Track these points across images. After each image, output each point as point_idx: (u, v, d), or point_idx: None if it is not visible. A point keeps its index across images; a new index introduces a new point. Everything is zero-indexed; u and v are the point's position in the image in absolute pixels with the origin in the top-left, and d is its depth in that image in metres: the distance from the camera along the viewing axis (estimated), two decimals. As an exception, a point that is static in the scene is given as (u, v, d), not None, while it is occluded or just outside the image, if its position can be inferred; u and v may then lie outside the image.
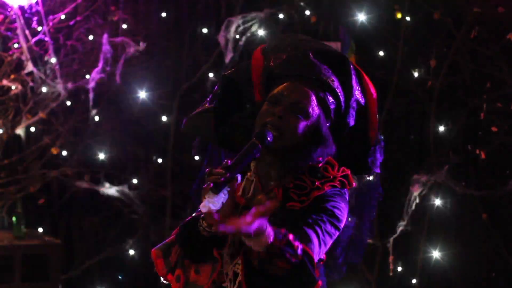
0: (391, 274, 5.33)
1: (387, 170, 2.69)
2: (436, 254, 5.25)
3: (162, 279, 2.40)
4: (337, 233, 2.28)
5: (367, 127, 2.47)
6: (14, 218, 5.78)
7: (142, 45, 5.67)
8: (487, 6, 5.06)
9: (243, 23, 5.49)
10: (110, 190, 5.79)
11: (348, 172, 2.37)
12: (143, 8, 6.01)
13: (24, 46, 5.69)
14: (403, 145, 5.56)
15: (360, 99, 2.45)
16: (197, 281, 2.34)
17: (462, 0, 5.25)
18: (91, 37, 5.89)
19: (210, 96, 2.53)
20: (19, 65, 5.82)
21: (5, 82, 5.77)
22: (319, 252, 2.20)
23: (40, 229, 5.97)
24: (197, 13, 6.01)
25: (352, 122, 2.45)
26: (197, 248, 2.30)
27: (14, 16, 5.69)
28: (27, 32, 5.72)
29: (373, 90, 2.48)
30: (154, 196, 6.05)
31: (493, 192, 5.05)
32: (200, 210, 2.18)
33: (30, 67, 5.72)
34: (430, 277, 5.35)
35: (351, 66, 2.44)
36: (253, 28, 5.51)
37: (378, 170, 2.53)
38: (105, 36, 5.67)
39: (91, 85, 5.72)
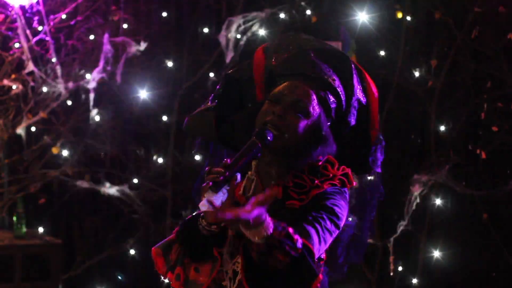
0: (391, 274, 5.32)
1: (387, 169, 2.69)
2: (436, 253, 5.25)
3: (162, 277, 2.40)
4: (337, 231, 2.28)
5: (368, 126, 2.47)
6: (14, 218, 5.78)
7: (142, 45, 5.67)
8: (488, 6, 5.06)
9: (244, 22, 5.49)
10: (110, 190, 5.79)
11: (348, 171, 2.37)
12: (144, 8, 6.01)
13: (25, 45, 5.70)
14: (403, 145, 5.55)
15: (362, 98, 2.45)
16: (197, 280, 2.34)
17: (463, 0, 5.25)
18: (92, 37, 5.89)
19: (212, 95, 2.53)
20: (20, 65, 5.82)
21: (6, 81, 5.78)
22: (319, 249, 2.20)
23: (41, 229, 5.97)
24: (198, 13, 6.01)
25: (353, 121, 2.45)
26: (197, 247, 2.30)
27: (15, 16, 5.69)
28: (28, 31, 5.73)
29: (374, 89, 2.49)
30: (155, 196, 6.04)
31: (493, 192, 5.04)
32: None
33: (31, 66, 5.72)
34: (431, 277, 5.34)
35: (353, 65, 2.45)
36: (254, 28, 5.51)
37: (379, 170, 2.53)
38: (106, 35, 5.67)
39: (92, 85, 5.73)
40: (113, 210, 6.04)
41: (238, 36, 5.49)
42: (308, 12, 5.46)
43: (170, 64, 5.93)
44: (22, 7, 5.70)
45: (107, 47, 5.67)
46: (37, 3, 5.73)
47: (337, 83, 2.40)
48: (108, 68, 5.70)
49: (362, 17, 5.19)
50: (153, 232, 5.91)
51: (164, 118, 5.99)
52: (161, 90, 5.94)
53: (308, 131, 2.33)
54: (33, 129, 6.04)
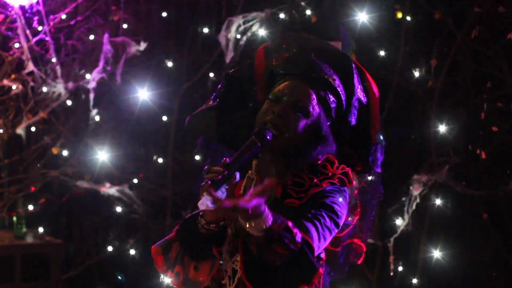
0: (391, 274, 5.32)
1: (387, 169, 2.69)
2: (436, 254, 5.25)
3: (161, 275, 2.40)
4: (336, 230, 2.28)
5: (368, 126, 2.47)
6: (14, 218, 5.78)
7: (142, 45, 5.67)
8: (488, 6, 5.06)
9: (244, 23, 5.49)
10: (110, 190, 5.79)
11: (348, 170, 2.37)
12: (144, 8, 6.01)
13: (25, 45, 5.70)
14: (403, 145, 5.55)
15: (362, 98, 2.45)
16: (196, 278, 2.35)
17: (463, 0, 5.25)
18: (91, 37, 5.89)
19: (214, 94, 2.54)
20: (19, 65, 5.83)
21: (5, 82, 5.78)
22: (319, 246, 2.20)
23: (41, 229, 5.97)
24: (197, 13, 6.00)
25: (353, 121, 2.45)
26: (197, 246, 2.31)
27: (15, 16, 5.69)
28: (27, 31, 5.73)
29: (375, 89, 2.49)
30: (155, 196, 6.04)
31: (493, 192, 5.04)
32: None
33: (30, 66, 5.73)
34: (431, 277, 5.34)
35: (353, 65, 2.45)
36: (254, 28, 5.51)
37: (379, 170, 2.53)
38: (106, 36, 5.68)
39: (92, 85, 5.73)
40: (113, 210, 6.04)
41: (238, 36, 5.49)
42: (308, 12, 5.46)
43: (170, 64, 5.93)
44: (22, 7, 5.71)
45: (107, 47, 5.67)
46: (37, 3, 5.73)
47: (337, 82, 2.40)
48: (108, 68, 5.70)
49: (362, 17, 5.18)
50: (153, 232, 5.91)
51: (164, 118, 5.99)
52: (161, 90, 5.94)
53: (308, 130, 2.33)
54: (33, 129, 6.05)
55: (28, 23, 5.76)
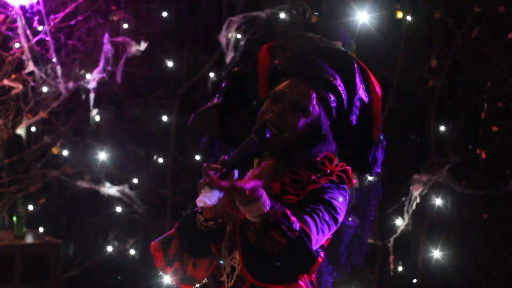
0: (391, 274, 5.32)
1: (387, 169, 2.69)
2: (436, 254, 5.25)
3: (160, 272, 2.41)
4: (335, 226, 2.28)
5: (370, 126, 2.47)
6: (14, 218, 5.78)
7: (143, 45, 5.67)
8: (488, 6, 5.06)
9: (244, 23, 5.49)
10: (110, 190, 5.79)
11: (348, 168, 2.38)
12: (144, 8, 6.01)
13: (25, 45, 5.70)
14: (403, 145, 5.55)
15: (364, 98, 2.46)
16: (194, 275, 2.35)
17: (463, 0, 5.25)
18: (92, 37, 5.89)
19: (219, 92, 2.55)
20: (20, 65, 5.83)
21: (6, 81, 5.78)
22: (317, 239, 2.19)
23: (41, 229, 5.97)
24: (198, 13, 6.01)
25: (354, 120, 2.45)
26: (195, 242, 2.31)
27: (15, 16, 5.69)
28: (28, 31, 5.73)
29: (378, 88, 2.49)
30: (155, 196, 6.05)
31: (493, 192, 5.04)
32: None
33: (31, 66, 5.73)
34: (431, 277, 5.34)
35: (356, 65, 2.45)
36: (254, 28, 5.51)
37: (378, 170, 2.54)
38: (106, 35, 5.68)
39: (92, 85, 5.73)
40: (113, 210, 6.04)
41: (238, 36, 5.49)
42: (308, 12, 5.46)
43: (170, 64, 5.93)
44: (22, 7, 5.71)
45: (107, 47, 5.67)
46: (37, 3, 5.73)
47: (338, 82, 2.40)
48: (108, 68, 5.70)
49: (362, 17, 5.18)
50: (153, 232, 5.91)
51: (164, 118, 5.99)
52: (161, 90, 5.94)
53: (307, 129, 2.33)
54: (33, 129, 6.04)
55: (29, 23, 5.76)
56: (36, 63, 5.78)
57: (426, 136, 5.36)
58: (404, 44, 5.36)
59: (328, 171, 2.34)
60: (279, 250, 2.07)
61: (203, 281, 2.38)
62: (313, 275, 2.34)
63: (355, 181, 2.44)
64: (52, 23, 5.80)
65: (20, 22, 5.67)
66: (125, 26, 5.87)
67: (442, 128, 5.25)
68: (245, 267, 2.16)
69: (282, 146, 2.31)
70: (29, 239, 5.76)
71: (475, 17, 5.13)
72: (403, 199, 5.17)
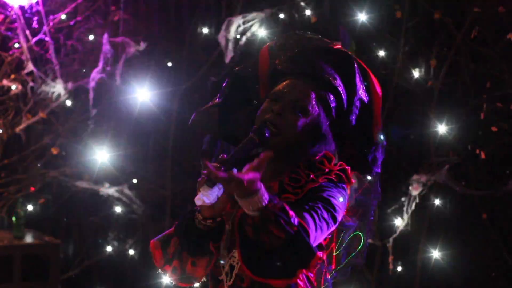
0: (390, 274, 5.33)
1: (387, 170, 2.69)
2: (436, 254, 5.25)
3: (159, 270, 2.41)
4: (334, 224, 2.27)
5: (371, 126, 2.47)
6: (14, 218, 5.78)
7: (142, 45, 5.67)
8: (488, 6, 5.06)
9: (244, 23, 5.49)
10: (109, 190, 5.79)
11: (348, 168, 2.37)
12: (144, 8, 6.01)
13: (25, 46, 5.70)
14: (403, 145, 5.55)
15: (364, 98, 2.46)
16: (193, 273, 2.36)
17: (462, 0, 5.25)
18: (91, 37, 5.89)
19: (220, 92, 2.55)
20: (19, 65, 5.83)
21: (5, 82, 5.78)
22: (316, 236, 2.19)
23: (40, 229, 5.97)
24: (197, 13, 6.01)
25: (354, 120, 2.45)
26: (194, 241, 2.31)
27: (14, 16, 5.69)
28: (27, 32, 5.73)
29: (378, 88, 2.49)
30: (154, 196, 6.04)
31: (493, 192, 5.05)
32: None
33: (30, 67, 5.73)
34: (430, 277, 5.34)
35: (356, 65, 2.45)
36: (254, 28, 5.51)
37: (378, 170, 2.54)
38: (106, 36, 5.68)
39: (91, 85, 5.73)
40: (113, 210, 6.04)
41: (238, 36, 5.50)
42: (308, 12, 5.46)
43: (170, 64, 5.93)
44: (21, 7, 5.71)
45: (106, 47, 5.67)
46: (37, 3, 5.73)
47: (338, 82, 2.41)
48: (108, 68, 5.70)
49: (362, 17, 5.19)
50: (152, 232, 5.91)
51: (164, 118, 5.99)
52: (160, 90, 5.94)
53: (306, 129, 2.34)
54: (32, 129, 6.04)
55: (28, 23, 5.76)
56: (35, 64, 5.78)
57: (426, 136, 5.36)
58: (404, 44, 5.36)
59: (327, 170, 2.34)
60: (277, 245, 2.06)
61: (202, 280, 2.38)
62: (312, 275, 2.34)
63: (354, 181, 2.44)
64: (51, 24, 5.80)
65: (20, 23, 5.67)
66: (125, 26, 5.87)
67: (442, 128, 5.26)
68: (243, 262, 2.16)
69: (281, 146, 2.32)
70: (28, 239, 5.75)
71: (475, 17, 5.13)
72: (403, 199, 5.17)
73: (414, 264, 5.38)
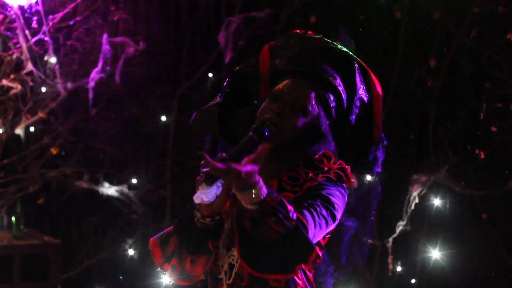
0: (390, 274, 5.32)
1: (386, 169, 2.69)
2: (435, 254, 5.25)
3: (158, 268, 2.41)
4: (333, 222, 2.27)
5: (371, 126, 2.48)
6: (13, 218, 5.78)
7: (141, 45, 5.67)
8: (487, 6, 5.06)
9: (243, 23, 5.49)
10: (109, 190, 5.80)
11: (345, 166, 2.37)
12: (143, 8, 6.01)
13: (24, 46, 5.70)
14: (403, 145, 5.55)
15: (364, 98, 2.46)
16: (192, 272, 2.36)
17: (462, 0, 5.25)
18: (91, 37, 5.89)
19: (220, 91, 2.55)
20: (18, 65, 5.83)
21: (4, 82, 5.78)
22: (314, 233, 2.18)
23: (40, 229, 5.96)
24: (197, 13, 6.01)
25: (354, 120, 2.46)
26: (193, 240, 2.31)
27: (14, 16, 5.69)
28: (27, 32, 5.73)
29: (379, 88, 2.50)
30: (154, 196, 6.04)
31: (492, 192, 5.05)
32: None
33: (29, 67, 5.73)
34: (430, 277, 5.34)
35: (356, 65, 2.45)
36: (253, 28, 5.51)
37: (379, 169, 2.54)
38: (105, 36, 5.68)
39: (91, 85, 5.73)
40: (112, 210, 6.04)
41: (238, 36, 5.49)
42: (307, 12, 5.46)
43: (168, 64, 5.93)
44: (21, 7, 5.70)
45: (106, 47, 5.67)
46: (36, 3, 5.73)
47: (338, 82, 2.41)
48: (107, 68, 5.70)
49: (361, 17, 5.19)
50: (152, 232, 5.90)
51: (163, 118, 5.99)
52: (160, 90, 5.94)
53: (306, 129, 2.34)
54: (32, 129, 6.04)
55: (27, 23, 5.76)
56: (35, 63, 5.78)
57: (425, 136, 5.36)
58: (404, 44, 5.36)
59: (326, 168, 2.34)
60: (276, 239, 2.06)
61: (201, 278, 2.38)
62: (311, 274, 2.34)
63: (354, 180, 2.44)
64: (51, 23, 5.80)
65: (19, 22, 5.66)
66: (124, 26, 5.87)
67: (441, 128, 5.25)
68: (242, 257, 2.16)
69: (281, 145, 2.32)
70: (28, 239, 5.76)
71: (475, 17, 5.13)
72: (402, 199, 5.17)
73: (414, 264, 5.38)
